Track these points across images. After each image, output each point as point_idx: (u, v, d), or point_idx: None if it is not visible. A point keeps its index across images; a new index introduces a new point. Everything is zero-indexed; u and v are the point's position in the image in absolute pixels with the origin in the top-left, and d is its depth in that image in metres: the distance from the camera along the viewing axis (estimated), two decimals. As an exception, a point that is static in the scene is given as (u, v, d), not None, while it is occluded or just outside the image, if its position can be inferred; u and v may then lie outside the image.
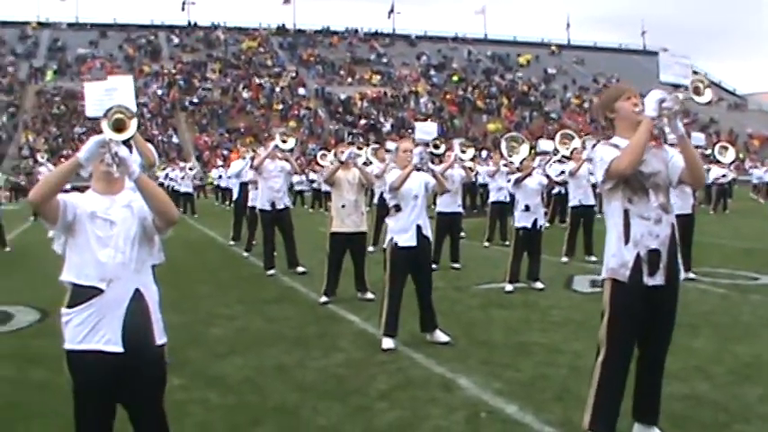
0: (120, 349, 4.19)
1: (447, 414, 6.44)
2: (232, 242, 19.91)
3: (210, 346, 8.75)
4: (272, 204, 14.30)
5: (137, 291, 4.27)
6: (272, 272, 14.41)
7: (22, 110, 68.59)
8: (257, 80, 76.11)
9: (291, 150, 14.46)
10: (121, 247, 4.25)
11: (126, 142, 4.17)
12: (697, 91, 5.21)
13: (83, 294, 4.21)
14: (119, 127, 4.18)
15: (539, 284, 12.39)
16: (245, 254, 17.43)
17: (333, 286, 11.61)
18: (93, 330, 4.19)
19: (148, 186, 4.25)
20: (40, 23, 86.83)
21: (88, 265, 4.22)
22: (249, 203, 17.43)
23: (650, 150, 5.12)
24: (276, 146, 14.12)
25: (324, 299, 11.49)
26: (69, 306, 4.28)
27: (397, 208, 8.93)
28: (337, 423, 6.34)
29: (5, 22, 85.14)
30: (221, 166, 41.29)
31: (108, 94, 4.45)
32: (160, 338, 4.38)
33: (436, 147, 9.65)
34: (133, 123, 4.22)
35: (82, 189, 4.30)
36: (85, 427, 4.31)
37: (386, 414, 6.51)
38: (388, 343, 8.64)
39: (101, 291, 4.19)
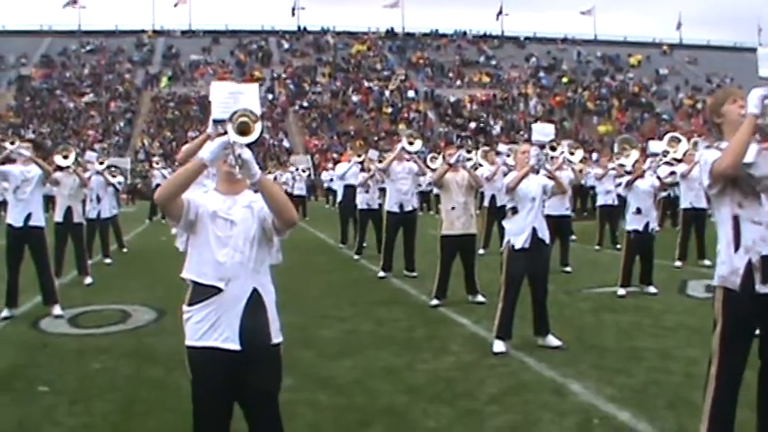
0: (237, 347, 4.26)
1: (558, 419, 6.39)
2: (342, 245, 20.10)
3: (321, 348, 8.84)
4: (401, 206, 14.37)
5: (254, 290, 4.34)
6: (384, 274, 14.49)
7: (138, 115, 70.22)
8: (366, 83, 76.43)
9: (418, 152, 14.44)
10: (240, 246, 4.33)
11: (249, 145, 4.23)
12: None
13: (202, 293, 4.31)
14: (243, 130, 4.22)
15: (652, 289, 12.20)
16: (356, 256, 17.51)
17: (443, 289, 11.59)
18: (211, 328, 4.28)
19: (269, 188, 4.31)
20: (155, 31, 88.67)
21: (207, 264, 4.31)
22: (359, 206, 17.47)
23: (761, 153, 4.91)
24: (403, 148, 14.11)
25: (434, 301, 11.51)
26: (190, 304, 4.38)
27: (514, 210, 8.91)
28: (447, 426, 6.35)
29: (123, 31, 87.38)
30: (332, 168, 41.53)
31: (233, 97, 4.51)
32: (276, 337, 4.45)
33: (553, 148, 9.55)
34: (257, 127, 4.25)
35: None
36: (203, 422, 4.39)
37: (496, 418, 6.49)
38: (499, 346, 8.61)
39: (219, 290, 4.27)
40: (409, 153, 14.17)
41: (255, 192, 4.39)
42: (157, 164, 33.80)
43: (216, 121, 4.61)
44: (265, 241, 4.46)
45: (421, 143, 14.42)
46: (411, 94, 74.78)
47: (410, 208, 14.51)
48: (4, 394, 7.39)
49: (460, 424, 6.37)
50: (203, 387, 4.37)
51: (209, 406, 4.38)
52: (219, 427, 4.41)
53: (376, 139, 60.42)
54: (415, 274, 14.37)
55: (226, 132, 4.27)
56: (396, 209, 14.41)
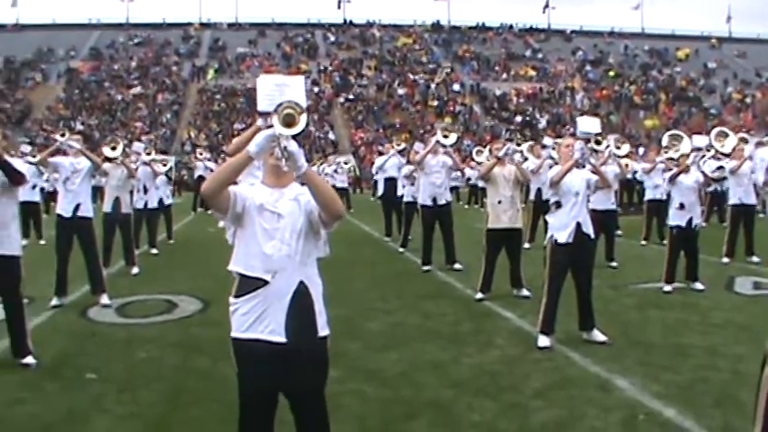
0: (283, 339, 4.27)
1: (603, 415, 6.38)
2: (386, 238, 20.12)
3: (367, 340, 8.88)
4: (434, 200, 14.29)
5: (301, 283, 4.34)
6: (428, 267, 14.47)
7: (184, 107, 70.67)
8: (412, 76, 76.32)
9: (453, 146, 14.38)
10: (287, 239, 4.33)
11: (295, 137, 4.24)
12: None
13: (249, 285, 4.32)
14: (289, 122, 4.23)
15: (698, 285, 12.09)
16: (401, 249, 17.53)
17: (488, 283, 11.59)
18: (258, 320, 4.29)
19: (315, 181, 4.30)
20: (201, 24, 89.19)
21: (254, 256, 4.32)
22: (405, 199, 17.49)
23: None
24: (438, 141, 14.08)
25: (479, 295, 11.51)
26: (236, 296, 4.39)
27: (558, 204, 8.87)
28: (491, 420, 6.36)
29: (170, 24, 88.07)
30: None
31: (279, 89, 4.52)
32: (323, 330, 4.45)
33: (598, 142, 9.49)
34: (303, 119, 4.25)
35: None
36: (248, 413, 4.43)
37: (541, 412, 6.49)
38: (544, 341, 8.60)
39: (266, 282, 4.28)
40: (444, 146, 14.13)
41: (302, 185, 4.40)
42: (201, 155, 33.89)
43: (261, 113, 4.62)
44: (312, 234, 4.46)
45: (456, 137, 14.36)
46: (457, 87, 74.59)
47: (444, 201, 14.40)
48: (53, 381, 7.51)
49: (505, 418, 6.38)
50: (249, 378, 4.39)
51: (255, 397, 4.41)
52: (265, 418, 4.44)
53: (421, 132, 60.21)
54: (460, 267, 14.35)
55: (273, 125, 4.28)
56: (429, 202, 14.34)
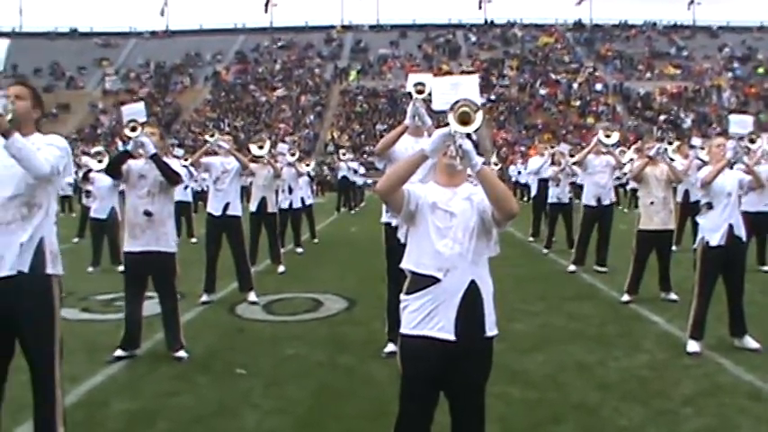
0: (452, 337, 4.26)
1: (757, 425, 6.21)
2: (531, 238, 20.01)
3: (512, 342, 8.78)
4: (598, 200, 14.20)
5: (472, 282, 4.32)
6: (574, 268, 14.42)
7: (327, 108, 71.82)
8: (554, 76, 75.74)
9: (614, 145, 14.21)
10: (459, 238, 4.32)
11: (469, 135, 4.23)
12: None
13: (420, 282, 4.33)
14: (464, 120, 4.20)
15: None
16: (545, 250, 17.41)
17: (636, 285, 11.39)
18: (427, 317, 4.29)
19: (490, 179, 4.24)
20: (344, 27, 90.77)
21: (426, 254, 4.33)
22: (549, 200, 17.33)
23: None
24: (599, 141, 13.94)
25: (626, 297, 11.34)
26: (407, 293, 4.40)
27: (709, 206, 8.64)
28: (640, 425, 6.26)
29: (313, 27, 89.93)
30: (521, 162, 41.32)
31: (453, 88, 4.53)
32: (491, 330, 4.42)
33: (752, 141, 9.20)
34: (478, 117, 4.22)
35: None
36: (410, 408, 4.42)
37: (691, 420, 6.34)
38: (693, 346, 8.40)
39: (437, 280, 4.28)
40: (606, 146, 13.95)
41: (474, 185, 4.40)
42: (344, 155, 34.28)
43: (436, 113, 4.64)
44: (484, 233, 4.43)
45: (618, 136, 14.17)
46: (599, 87, 73.66)
47: (608, 201, 14.32)
48: (205, 375, 7.74)
49: (654, 425, 6.26)
50: (415, 374, 4.39)
51: (418, 393, 4.41)
52: (424, 414, 4.43)
53: (564, 132, 59.73)
54: (605, 269, 14.18)
55: (446, 124, 4.24)
56: (593, 202, 14.23)
